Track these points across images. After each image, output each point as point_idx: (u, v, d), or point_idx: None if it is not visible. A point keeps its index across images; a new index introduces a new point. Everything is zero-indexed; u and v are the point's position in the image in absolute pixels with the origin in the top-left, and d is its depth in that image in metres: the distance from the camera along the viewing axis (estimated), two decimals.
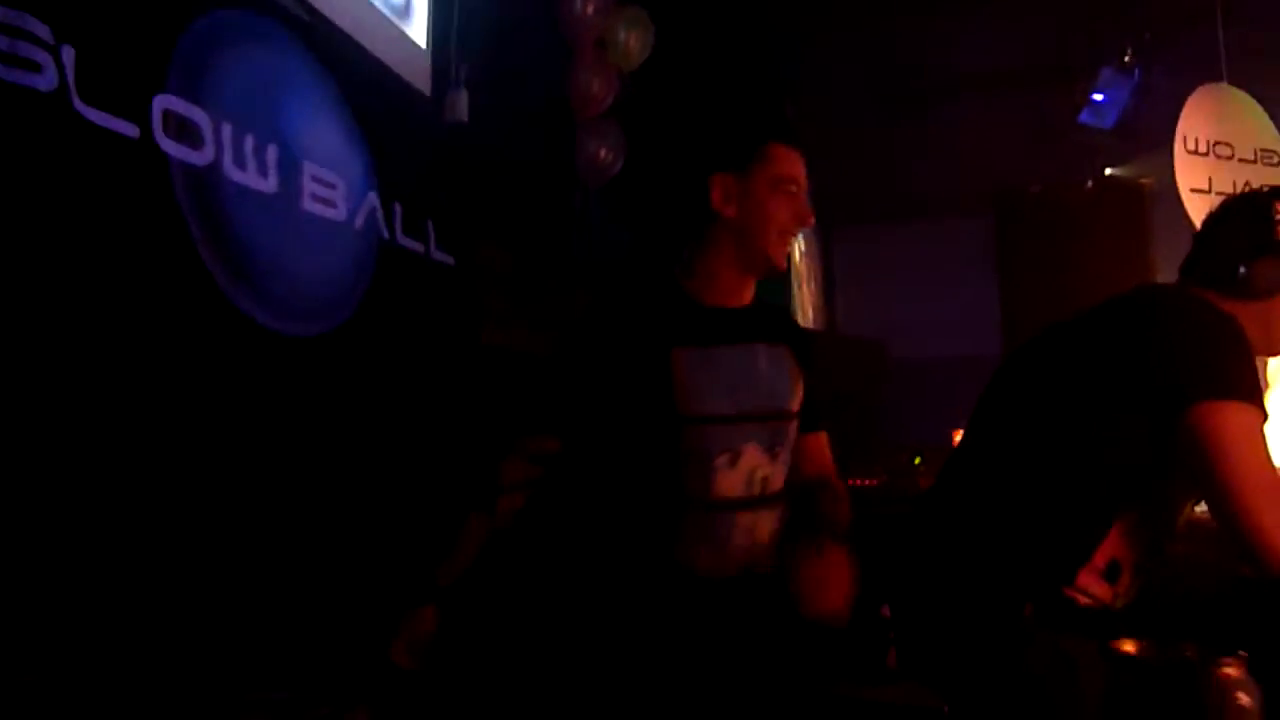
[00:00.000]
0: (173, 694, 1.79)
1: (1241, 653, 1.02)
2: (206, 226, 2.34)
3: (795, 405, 1.74)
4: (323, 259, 2.81)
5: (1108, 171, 5.02)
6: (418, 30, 3.45)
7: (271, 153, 2.60)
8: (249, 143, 2.50)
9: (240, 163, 2.47)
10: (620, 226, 4.19)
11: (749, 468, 1.64)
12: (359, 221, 2.96)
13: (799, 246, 5.44)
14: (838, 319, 6.62)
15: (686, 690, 1.60)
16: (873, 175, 5.47)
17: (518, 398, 1.82)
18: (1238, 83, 4.12)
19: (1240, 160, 4.01)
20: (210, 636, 2.06)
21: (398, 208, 3.12)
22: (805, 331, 1.98)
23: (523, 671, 2.33)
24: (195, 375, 2.26)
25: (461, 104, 3.46)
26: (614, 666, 1.64)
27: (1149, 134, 4.18)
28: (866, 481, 3.81)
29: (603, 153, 4.05)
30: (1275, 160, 4.01)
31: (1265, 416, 1.38)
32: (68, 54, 1.95)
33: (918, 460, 3.78)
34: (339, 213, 2.88)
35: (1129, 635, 1.30)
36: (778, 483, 1.69)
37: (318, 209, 2.79)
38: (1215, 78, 4.14)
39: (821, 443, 1.83)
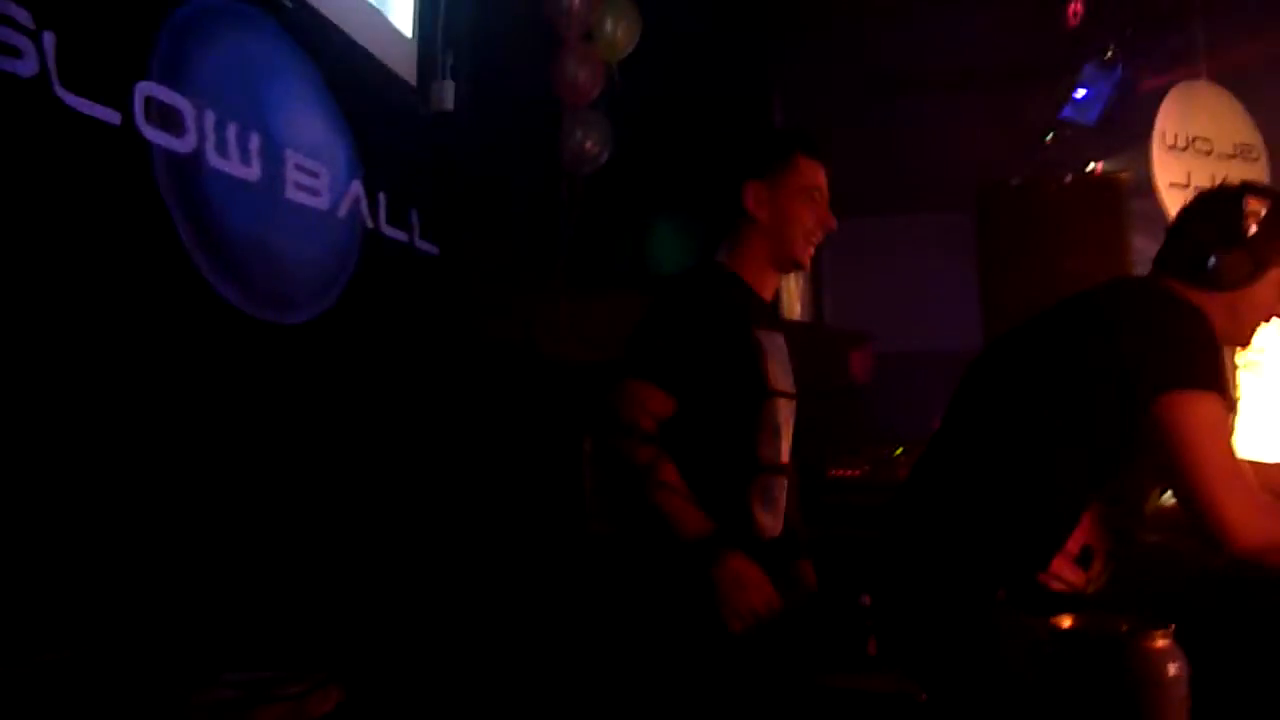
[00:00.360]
0: (143, 673, 1.80)
1: (1170, 625, 1.05)
2: (189, 214, 2.34)
3: None
4: (306, 247, 2.81)
5: (1089, 166, 5.06)
6: (403, 19, 3.45)
7: (254, 140, 2.59)
8: (232, 130, 2.50)
9: (223, 150, 2.47)
10: (608, 218, 4.19)
11: (789, 438, 1.91)
12: (342, 210, 2.96)
13: None
14: (825, 312, 6.65)
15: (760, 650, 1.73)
16: (859, 170, 5.48)
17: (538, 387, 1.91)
18: (1217, 79, 4.17)
19: (1219, 156, 4.05)
20: (184, 616, 2.07)
21: (382, 197, 3.12)
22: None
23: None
24: (177, 362, 2.26)
25: (447, 93, 3.46)
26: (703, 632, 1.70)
27: (1130, 129, 4.21)
28: (849, 472, 3.83)
29: (589, 144, 4.05)
30: (1254, 155, 4.06)
31: (1230, 406, 1.42)
32: (49, 40, 1.94)
33: (899, 451, 3.81)
34: (322, 201, 2.87)
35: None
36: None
37: (301, 197, 2.79)
38: (1195, 74, 4.18)
39: None
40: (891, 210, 5.82)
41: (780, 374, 1.89)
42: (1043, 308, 1.68)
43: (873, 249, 6.05)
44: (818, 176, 1.90)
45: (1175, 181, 4.01)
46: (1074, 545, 1.43)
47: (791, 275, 6.25)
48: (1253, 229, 1.54)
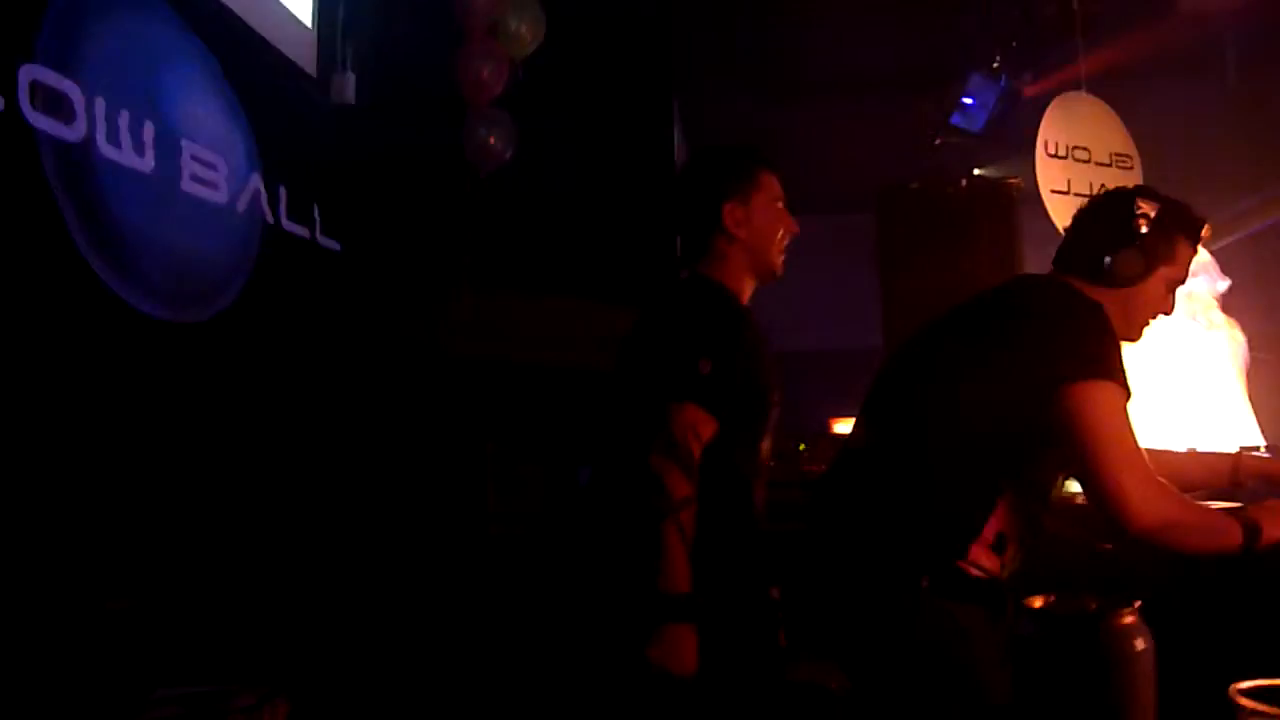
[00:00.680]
0: (91, 686, 1.71)
1: (1136, 603, 1.11)
2: (78, 205, 2.22)
3: None
4: (203, 242, 2.70)
5: (976, 171, 5.28)
6: (302, 7, 3.35)
7: (149, 130, 2.48)
8: (124, 118, 2.38)
9: (115, 140, 2.35)
10: (511, 216, 4.15)
11: None
12: (241, 204, 2.86)
13: None
14: None
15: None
16: None
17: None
18: (1095, 91, 4.40)
19: (1096, 164, 4.27)
20: (128, 629, 1.97)
21: (282, 191, 3.02)
22: None
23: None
24: (65, 360, 2.14)
25: (348, 86, 3.38)
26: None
27: (1017, 137, 4.41)
28: None
29: (493, 140, 4.01)
30: (1128, 165, 4.29)
31: (1129, 394, 1.50)
32: None
33: (801, 446, 3.91)
34: (220, 195, 2.77)
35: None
36: None
37: (198, 190, 2.68)
38: (1075, 86, 4.41)
39: None
40: (793, 212, 5.93)
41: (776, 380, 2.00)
42: (941, 306, 1.76)
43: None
44: (779, 186, 2.00)
45: (1056, 188, 4.22)
46: (989, 533, 1.49)
47: None
48: (1143, 229, 1.63)
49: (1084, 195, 3.97)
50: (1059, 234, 1.83)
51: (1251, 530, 1.47)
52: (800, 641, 1.88)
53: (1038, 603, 1.16)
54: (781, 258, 2.02)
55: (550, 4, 4.02)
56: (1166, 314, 1.71)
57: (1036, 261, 1.88)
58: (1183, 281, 1.73)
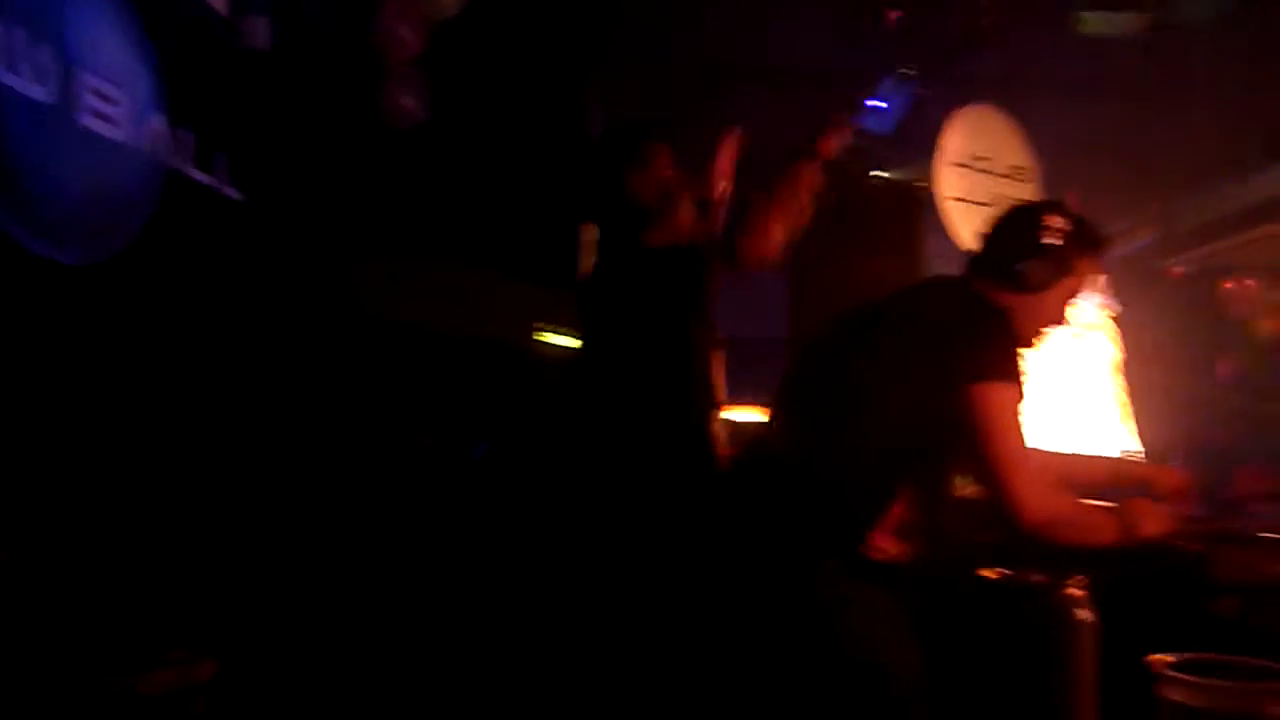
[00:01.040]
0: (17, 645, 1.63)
1: (1081, 577, 1.20)
2: None
3: None
4: (99, 180, 2.56)
5: (876, 173, 5.43)
6: None
7: (44, 54, 2.33)
8: (19, 37, 2.24)
9: (9, 62, 2.21)
10: (423, 177, 4.08)
11: None
12: (142, 144, 2.72)
13: None
14: None
15: None
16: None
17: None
18: (998, 105, 4.60)
19: (996, 175, 4.48)
20: (49, 588, 1.88)
21: (187, 135, 2.89)
22: None
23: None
24: None
25: (262, 30, 3.24)
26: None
27: (923, 143, 4.57)
28: None
29: (408, 100, 3.93)
30: (1025, 177, 4.51)
31: (1022, 396, 1.61)
32: None
33: None
34: (120, 132, 2.62)
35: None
36: None
37: (96, 125, 2.53)
38: (979, 99, 4.59)
39: None
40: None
41: None
42: (846, 301, 1.87)
43: None
44: (669, 157, 2.25)
45: (957, 196, 4.40)
46: (893, 520, 1.58)
47: None
48: (1054, 241, 1.75)
49: (982, 204, 4.15)
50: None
51: (1126, 527, 1.60)
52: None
53: (992, 575, 1.26)
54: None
55: None
56: (1060, 325, 1.83)
57: (940, 265, 1.99)
58: (1078, 294, 1.86)
